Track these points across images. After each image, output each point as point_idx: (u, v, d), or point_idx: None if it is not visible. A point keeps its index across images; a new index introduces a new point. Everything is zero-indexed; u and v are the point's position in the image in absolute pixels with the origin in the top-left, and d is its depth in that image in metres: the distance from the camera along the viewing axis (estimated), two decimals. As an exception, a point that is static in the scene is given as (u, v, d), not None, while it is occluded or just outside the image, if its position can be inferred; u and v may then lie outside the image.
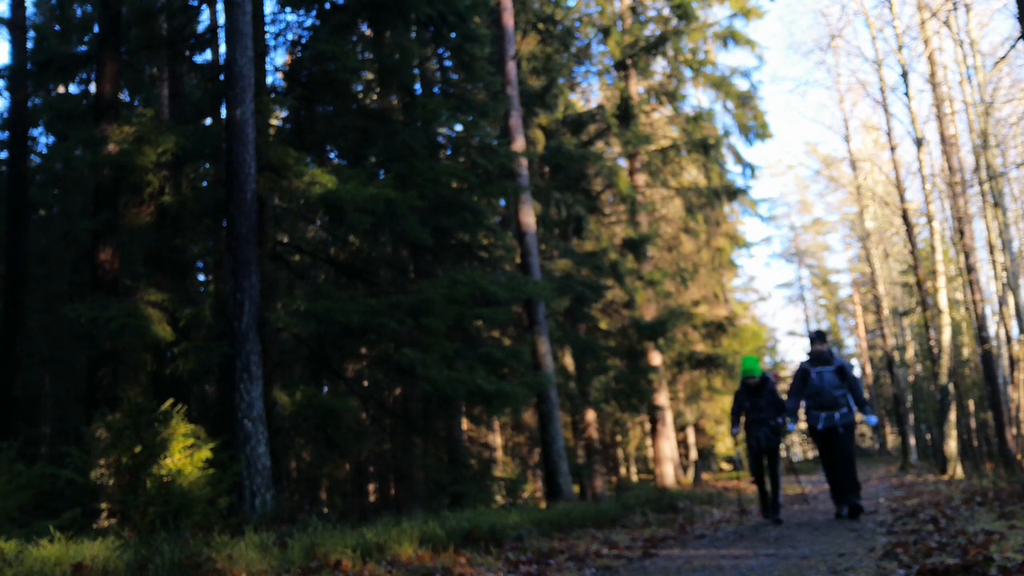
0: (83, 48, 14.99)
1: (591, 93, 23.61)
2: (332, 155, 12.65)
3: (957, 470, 17.20)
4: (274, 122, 11.26)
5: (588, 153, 18.01)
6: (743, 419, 8.78)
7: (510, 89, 14.51)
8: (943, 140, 18.13)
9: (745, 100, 20.70)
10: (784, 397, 8.53)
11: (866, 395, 8.44)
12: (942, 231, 19.77)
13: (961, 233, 18.06)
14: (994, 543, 4.53)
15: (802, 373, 8.20)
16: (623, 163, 20.51)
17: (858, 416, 8.34)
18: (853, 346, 44.87)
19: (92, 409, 8.59)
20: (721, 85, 20.57)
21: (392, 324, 9.36)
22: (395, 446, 13.33)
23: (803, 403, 8.24)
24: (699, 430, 29.98)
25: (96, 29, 11.83)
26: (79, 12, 15.55)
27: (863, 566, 4.29)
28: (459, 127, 13.13)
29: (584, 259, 17.25)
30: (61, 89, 16.74)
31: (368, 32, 12.67)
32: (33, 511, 6.87)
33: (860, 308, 39.75)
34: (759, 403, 8.48)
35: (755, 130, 20.88)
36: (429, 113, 11.34)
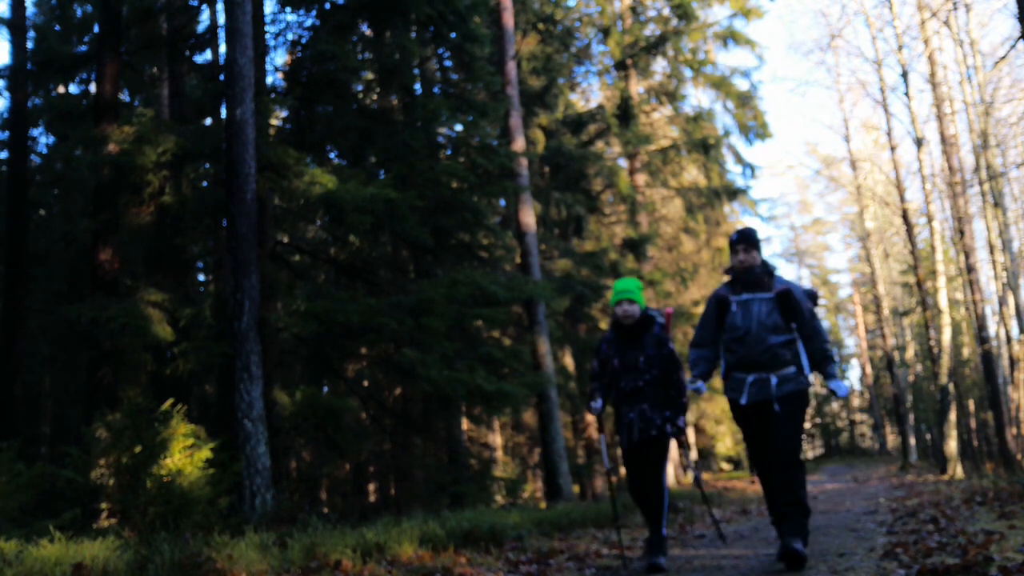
0: (83, 48, 14.98)
1: (591, 93, 23.63)
2: (332, 155, 12.65)
3: (957, 470, 17.20)
4: (274, 122, 11.26)
5: (588, 153, 18.01)
6: (609, 390, 5.30)
7: (510, 89, 14.52)
8: (943, 140, 18.14)
9: (745, 100, 20.72)
10: (679, 354, 5.25)
11: (834, 350, 5.07)
12: (942, 231, 19.78)
13: (961, 233, 18.06)
14: (994, 543, 4.54)
15: (716, 303, 4.84)
16: (623, 163, 20.52)
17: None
18: (853, 346, 44.94)
19: (92, 409, 8.59)
20: (721, 85, 20.57)
21: (392, 324, 9.36)
22: (395, 446, 13.34)
23: (723, 357, 4.87)
24: (699, 430, 29.98)
25: (96, 29, 11.83)
26: (79, 12, 15.54)
27: (863, 566, 4.29)
28: (459, 127, 13.15)
29: (584, 259, 17.26)
30: (61, 89, 16.73)
31: (368, 32, 12.67)
32: (33, 511, 6.87)
33: (860, 308, 39.76)
34: (635, 360, 5.08)
35: (755, 130, 20.89)
36: (429, 113, 11.35)
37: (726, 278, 4.88)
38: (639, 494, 5.21)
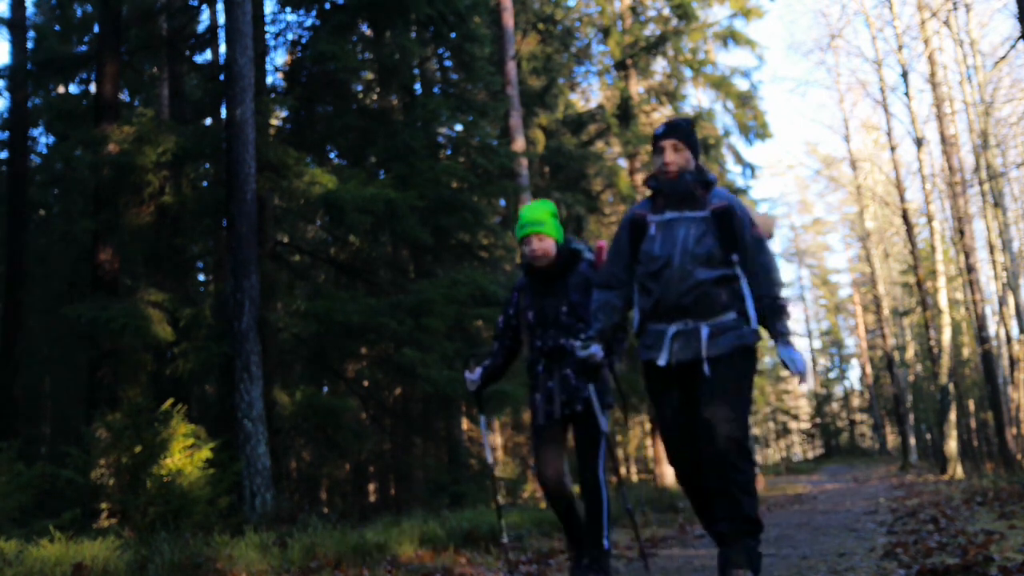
0: (83, 48, 14.99)
1: (591, 93, 23.62)
2: (332, 155, 12.66)
3: (957, 470, 17.20)
4: (274, 122, 11.26)
5: (588, 153, 18.02)
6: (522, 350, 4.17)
7: (510, 89, 14.52)
8: (943, 140, 18.15)
9: (745, 100, 20.71)
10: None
11: (787, 299, 3.39)
12: (942, 231, 19.78)
13: (961, 233, 18.07)
14: (994, 543, 4.53)
15: (629, 225, 3.47)
16: (623, 163, 20.52)
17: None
18: (853, 346, 44.94)
19: (92, 409, 8.60)
20: (721, 85, 20.57)
21: (392, 324, 9.36)
22: (395, 446, 13.34)
23: (637, 304, 3.46)
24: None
25: (96, 29, 11.84)
26: (79, 12, 15.53)
27: (863, 566, 4.29)
28: (459, 127, 13.15)
29: (584, 259, 17.24)
30: (61, 89, 16.73)
31: (368, 32, 12.67)
32: (33, 511, 6.88)
33: (860, 308, 39.76)
34: (554, 311, 3.91)
35: (755, 130, 20.89)
36: (429, 113, 11.35)
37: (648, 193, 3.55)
38: (557, 492, 3.89)
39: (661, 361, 3.29)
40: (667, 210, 3.40)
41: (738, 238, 3.33)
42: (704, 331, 3.25)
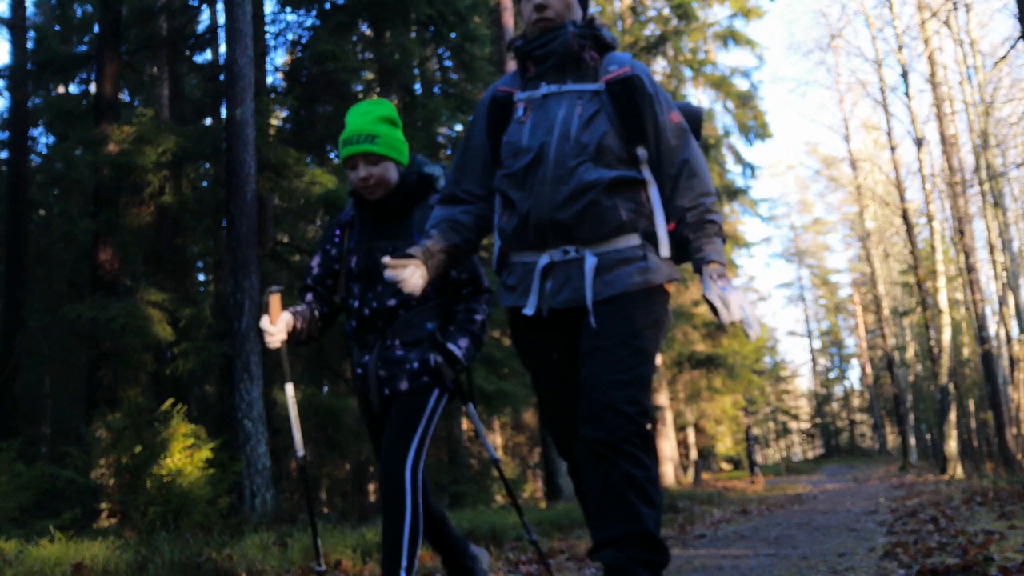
0: (83, 48, 14.99)
1: (591, 93, 23.61)
2: (332, 155, 12.67)
3: (957, 470, 17.21)
4: (274, 122, 11.27)
5: (588, 153, 18.03)
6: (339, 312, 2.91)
7: (510, 89, 14.51)
8: (943, 140, 18.16)
9: (745, 100, 20.73)
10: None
11: (718, 214, 2.12)
12: (942, 231, 19.80)
13: (961, 233, 18.08)
14: (994, 543, 4.53)
15: (488, 108, 2.32)
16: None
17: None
18: (853, 346, 44.97)
19: (92, 409, 8.60)
20: (721, 85, 20.59)
21: (392, 324, 9.35)
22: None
23: (497, 222, 2.31)
24: (699, 430, 29.99)
25: (96, 29, 11.84)
26: (79, 12, 15.54)
27: (863, 566, 4.29)
28: (459, 127, 13.16)
29: (584, 259, 17.25)
30: (61, 89, 16.74)
31: (368, 32, 12.68)
32: (33, 511, 6.88)
33: (860, 308, 39.77)
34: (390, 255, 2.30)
35: (755, 130, 20.91)
36: (429, 113, 11.36)
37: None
38: (395, 495, 2.73)
39: (528, 310, 2.21)
40: (541, 82, 2.29)
41: (646, 123, 2.21)
42: (590, 261, 2.16)
